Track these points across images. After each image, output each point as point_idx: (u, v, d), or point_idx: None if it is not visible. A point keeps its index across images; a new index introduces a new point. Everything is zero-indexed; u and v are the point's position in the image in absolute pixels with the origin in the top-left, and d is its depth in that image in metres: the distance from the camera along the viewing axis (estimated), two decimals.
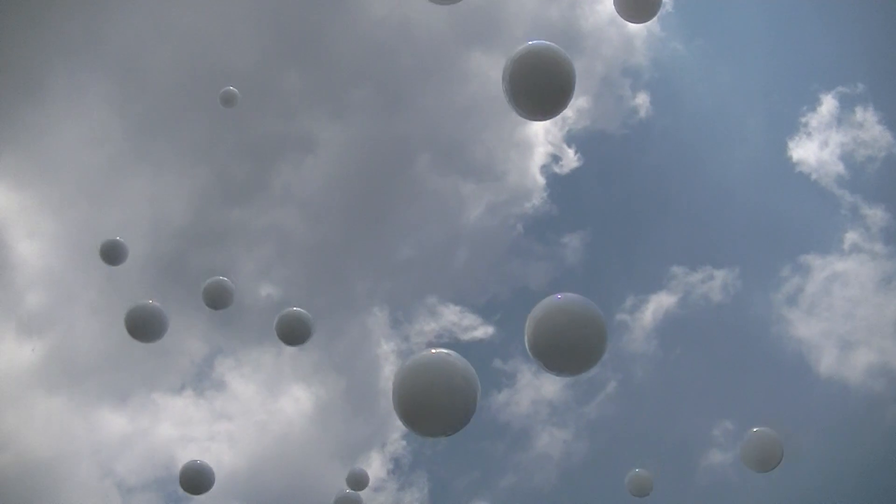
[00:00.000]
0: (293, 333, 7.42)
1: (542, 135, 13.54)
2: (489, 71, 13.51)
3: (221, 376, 13.68)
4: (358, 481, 8.56)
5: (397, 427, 13.55)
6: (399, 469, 13.34)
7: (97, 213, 14.01)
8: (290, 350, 14.03)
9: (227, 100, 8.68)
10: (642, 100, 13.61)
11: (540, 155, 13.59)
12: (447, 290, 13.36)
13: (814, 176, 13.23)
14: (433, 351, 3.70)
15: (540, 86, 4.35)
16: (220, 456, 13.17)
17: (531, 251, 13.60)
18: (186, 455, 13.14)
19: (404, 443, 13.42)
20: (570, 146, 13.69)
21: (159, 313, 7.01)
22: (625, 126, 13.61)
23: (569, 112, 13.67)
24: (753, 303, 13.86)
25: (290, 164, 13.54)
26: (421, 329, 13.44)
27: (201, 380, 13.66)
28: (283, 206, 13.50)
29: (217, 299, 7.78)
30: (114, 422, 13.41)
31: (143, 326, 6.90)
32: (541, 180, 13.51)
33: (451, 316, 13.34)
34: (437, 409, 3.61)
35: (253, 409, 13.41)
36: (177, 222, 13.75)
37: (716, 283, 13.80)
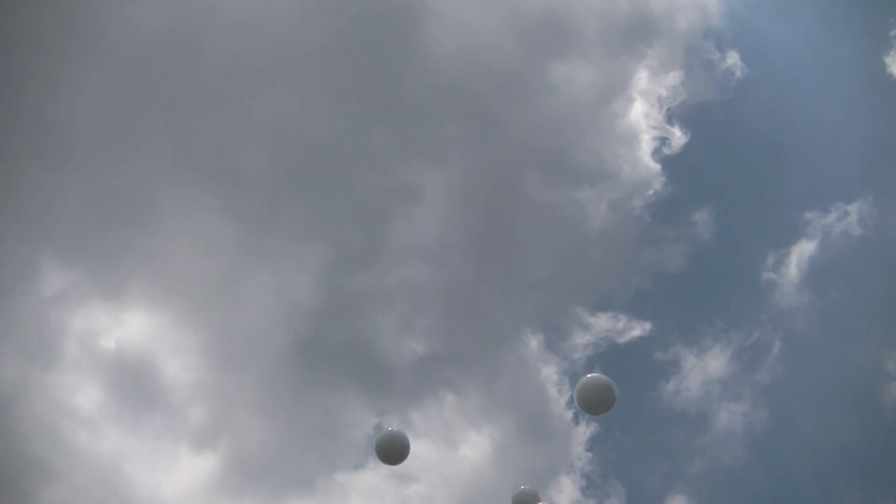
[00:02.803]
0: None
1: (643, 122, 13.40)
2: (571, 75, 13.39)
3: None
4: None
5: (579, 442, 13.51)
6: (592, 485, 13.28)
7: (232, 316, 14.22)
8: (452, 400, 14.09)
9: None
10: (732, 58, 13.37)
11: (647, 142, 13.43)
12: (592, 298, 13.27)
13: None
14: None
15: None
16: None
17: (663, 237, 13.45)
18: None
19: (590, 455, 13.36)
20: (672, 124, 13.53)
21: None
22: (722, 89, 13.39)
23: (663, 91, 13.50)
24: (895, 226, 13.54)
25: (402, 217, 13.57)
26: (576, 344, 13.36)
27: None
28: (407, 259, 13.53)
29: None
30: None
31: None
32: (655, 166, 13.37)
33: (603, 322, 13.24)
34: None
35: (435, 464, 13.46)
36: (309, 304, 13.86)
37: (851, 217, 13.51)
